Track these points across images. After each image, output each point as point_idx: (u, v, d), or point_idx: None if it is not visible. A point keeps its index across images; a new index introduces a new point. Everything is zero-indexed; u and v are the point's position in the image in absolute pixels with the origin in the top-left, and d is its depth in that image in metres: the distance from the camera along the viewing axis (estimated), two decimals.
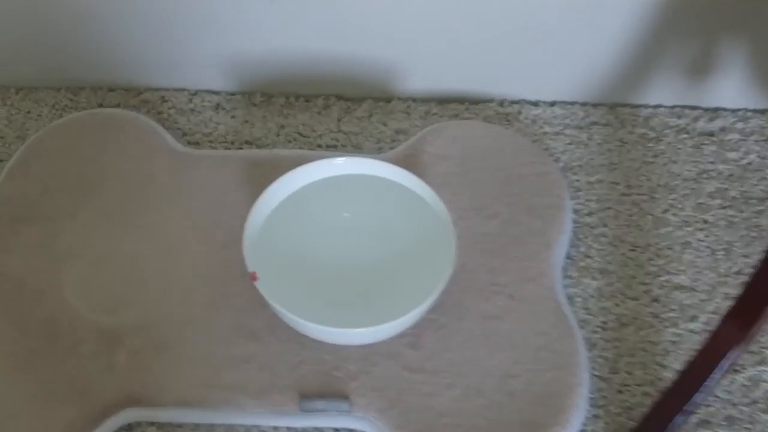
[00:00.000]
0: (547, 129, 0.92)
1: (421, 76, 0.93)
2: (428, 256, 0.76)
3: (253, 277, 0.71)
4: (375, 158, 0.80)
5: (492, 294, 0.78)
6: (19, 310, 0.78)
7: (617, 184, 0.88)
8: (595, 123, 0.93)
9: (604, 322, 0.79)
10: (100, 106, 0.95)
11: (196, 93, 0.95)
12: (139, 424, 0.74)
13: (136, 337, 0.76)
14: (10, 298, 0.79)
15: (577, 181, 0.89)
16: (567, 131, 0.92)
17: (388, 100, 0.95)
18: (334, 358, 0.75)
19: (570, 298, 0.80)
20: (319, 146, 0.91)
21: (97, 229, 0.83)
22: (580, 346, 0.76)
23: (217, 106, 0.95)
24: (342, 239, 0.80)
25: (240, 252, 0.80)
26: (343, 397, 0.73)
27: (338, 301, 0.76)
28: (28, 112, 0.95)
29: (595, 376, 0.76)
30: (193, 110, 0.94)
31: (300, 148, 0.90)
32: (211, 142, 0.92)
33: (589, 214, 0.86)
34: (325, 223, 0.81)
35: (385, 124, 0.93)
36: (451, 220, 0.75)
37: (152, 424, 0.74)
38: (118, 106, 0.94)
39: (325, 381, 0.74)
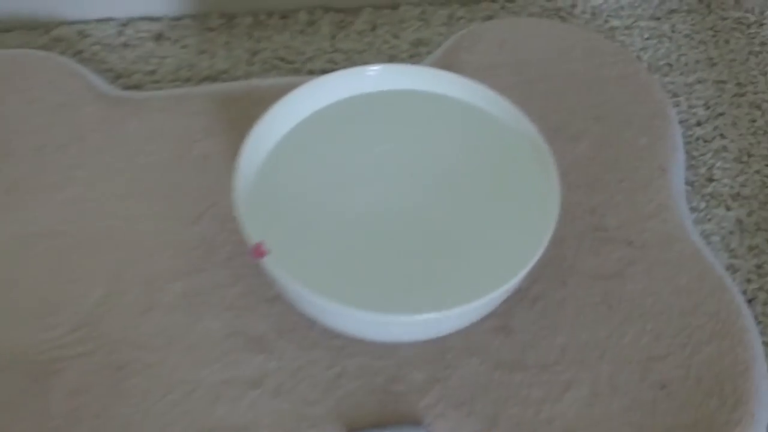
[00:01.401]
0: (614, 23, 0.68)
1: None
2: (507, 200, 0.51)
3: (257, 252, 0.45)
4: (425, 67, 0.55)
5: (601, 243, 0.54)
6: None
7: (724, 82, 0.65)
8: (674, 10, 0.69)
9: (758, 266, 0.56)
10: None
11: (127, 23, 0.68)
12: None
13: (77, 365, 0.49)
14: None
15: (672, 83, 0.65)
16: (641, 23, 0.68)
17: (394, 6, 0.69)
18: (389, 364, 0.49)
19: (705, 238, 0.56)
20: (312, 72, 0.65)
21: None
22: (742, 304, 0.52)
23: (159, 36, 0.67)
24: (376, 186, 0.53)
25: (222, 224, 0.54)
26: (415, 422, 0.47)
27: (382, 279, 0.50)
28: None
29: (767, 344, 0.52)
30: (126, 45, 0.67)
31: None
32: (157, 82, 0.65)
33: (699, 124, 0.63)
34: (351, 164, 0.54)
35: (396, 36, 0.67)
36: (547, 145, 0.50)
37: None
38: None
39: (382, 401, 0.48)
